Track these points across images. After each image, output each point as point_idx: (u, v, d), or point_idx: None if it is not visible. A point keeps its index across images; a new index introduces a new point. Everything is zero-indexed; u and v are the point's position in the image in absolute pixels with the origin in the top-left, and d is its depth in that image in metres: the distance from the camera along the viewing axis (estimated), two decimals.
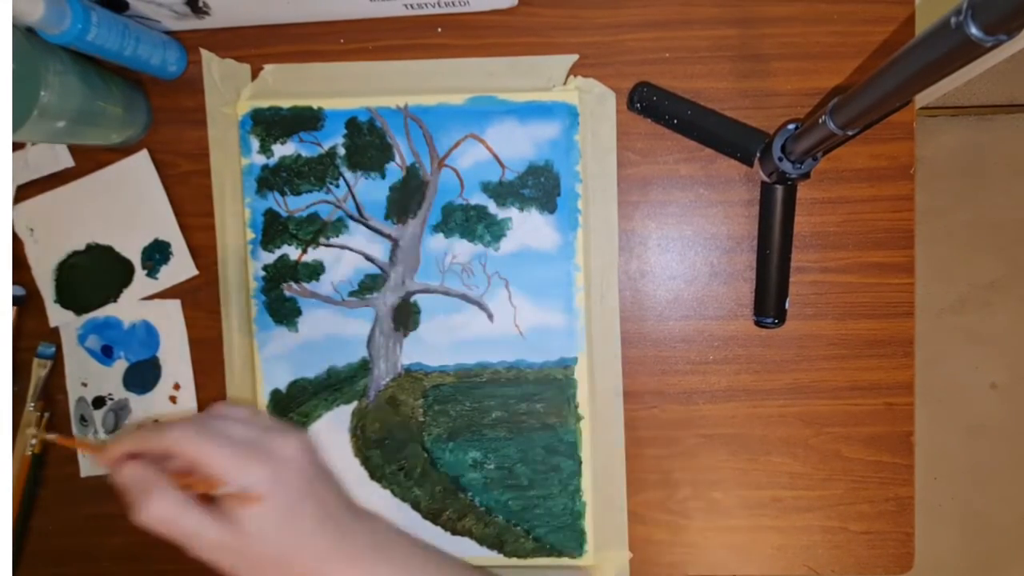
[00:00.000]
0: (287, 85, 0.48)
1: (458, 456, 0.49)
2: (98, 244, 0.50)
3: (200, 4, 0.44)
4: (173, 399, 0.50)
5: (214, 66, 0.48)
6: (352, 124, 0.48)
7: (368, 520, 0.39)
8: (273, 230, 0.49)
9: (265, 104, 0.48)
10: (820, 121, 0.34)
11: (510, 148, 0.48)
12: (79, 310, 0.50)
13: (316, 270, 0.49)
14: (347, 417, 0.49)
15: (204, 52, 0.48)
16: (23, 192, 0.50)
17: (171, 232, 0.49)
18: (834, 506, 0.49)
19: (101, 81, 0.44)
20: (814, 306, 0.48)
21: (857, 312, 0.48)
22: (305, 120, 0.48)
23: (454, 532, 0.49)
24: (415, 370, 0.49)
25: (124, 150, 0.49)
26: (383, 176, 0.48)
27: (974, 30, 0.22)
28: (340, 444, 0.50)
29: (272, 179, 0.49)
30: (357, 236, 0.49)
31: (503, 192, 0.48)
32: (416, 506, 0.50)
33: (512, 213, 0.48)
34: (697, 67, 0.47)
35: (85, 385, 0.51)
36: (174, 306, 0.50)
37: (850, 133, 0.33)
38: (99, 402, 0.51)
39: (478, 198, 0.48)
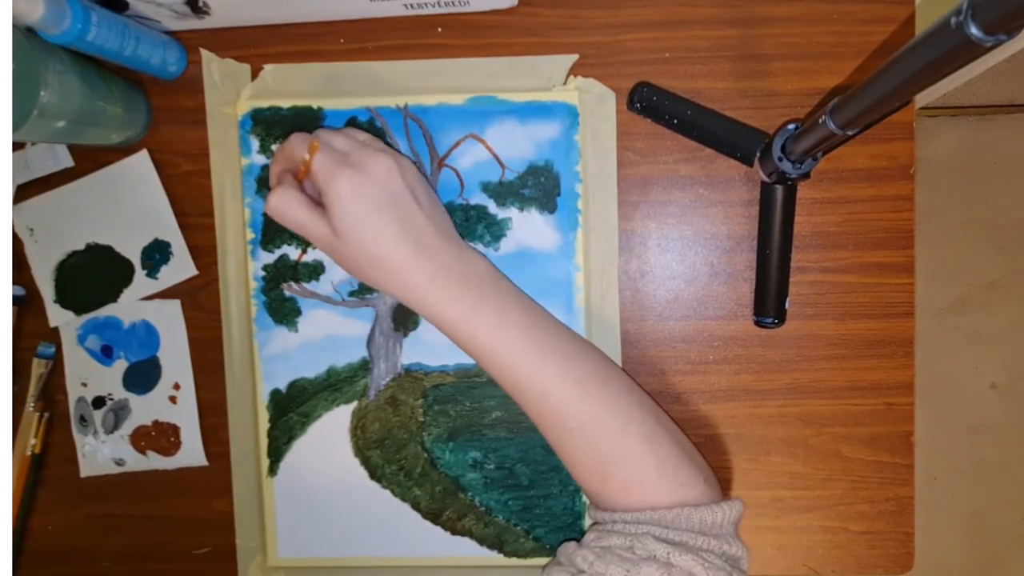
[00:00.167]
0: (287, 85, 0.48)
1: (458, 456, 0.49)
2: (98, 244, 0.50)
3: (200, 4, 0.44)
4: (173, 399, 0.50)
5: (214, 66, 0.48)
6: (352, 124, 0.48)
7: (465, 252, 0.43)
8: (273, 230, 0.49)
9: (265, 104, 0.48)
10: (820, 121, 0.34)
11: (510, 148, 0.48)
12: (79, 310, 0.50)
13: (316, 270, 0.49)
14: (347, 417, 0.49)
15: (204, 52, 0.48)
16: (23, 192, 0.50)
17: (171, 232, 0.49)
18: (834, 506, 0.49)
19: (101, 81, 0.44)
20: (814, 306, 0.48)
21: (857, 312, 0.48)
22: (305, 120, 0.48)
23: (454, 532, 0.49)
24: (415, 370, 0.49)
25: (124, 150, 0.49)
26: None
27: (974, 30, 0.22)
28: (340, 444, 0.50)
29: None
30: None
31: (503, 192, 0.48)
32: (416, 506, 0.50)
33: (512, 213, 0.48)
34: (697, 67, 0.47)
35: (85, 385, 0.51)
36: (174, 306, 0.50)
37: (850, 133, 0.33)
38: (99, 402, 0.51)
39: (478, 198, 0.48)
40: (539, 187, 0.48)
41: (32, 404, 0.50)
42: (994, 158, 1.39)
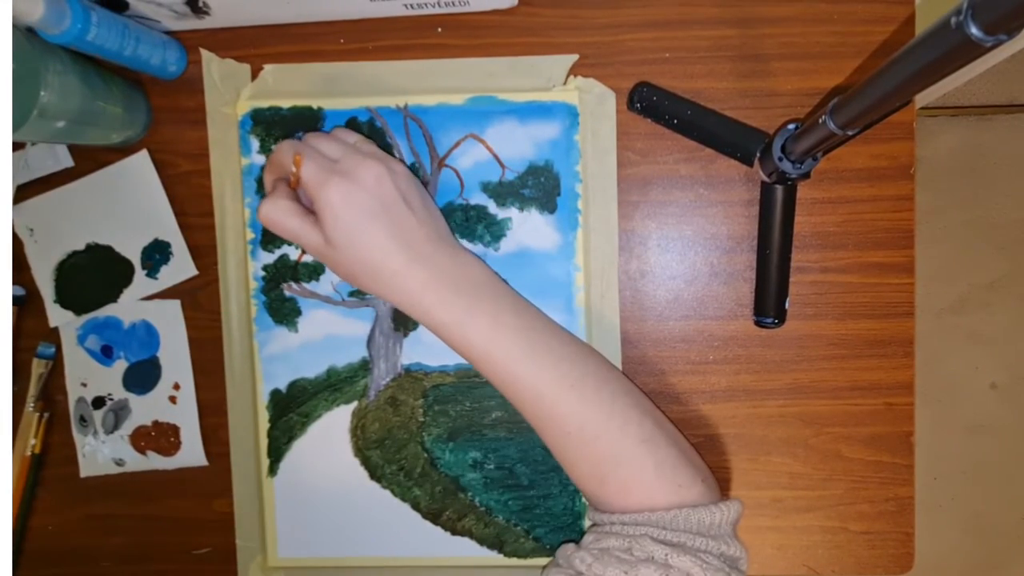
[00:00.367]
0: (287, 85, 0.48)
1: (458, 456, 0.49)
2: (98, 244, 0.50)
3: (200, 4, 0.44)
4: (173, 399, 0.50)
5: (214, 66, 0.48)
6: (352, 124, 0.48)
7: (459, 255, 0.43)
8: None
9: (265, 104, 0.48)
10: (820, 121, 0.34)
11: (510, 148, 0.48)
12: (79, 310, 0.50)
13: (316, 270, 0.49)
14: (347, 417, 0.49)
15: (204, 52, 0.48)
16: (23, 192, 0.50)
17: (171, 232, 0.49)
18: (834, 506, 0.49)
19: (101, 81, 0.44)
20: (814, 306, 0.48)
21: (857, 312, 0.48)
22: (305, 120, 0.48)
23: (454, 532, 0.49)
24: (415, 370, 0.49)
25: (124, 150, 0.49)
26: None
27: (974, 30, 0.22)
28: (340, 444, 0.50)
29: None
30: None
31: (503, 192, 0.48)
32: (416, 506, 0.50)
33: (512, 213, 0.48)
34: (697, 67, 0.47)
35: (85, 385, 0.51)
36: (174, 306, 0.50)
37: (850, 133, 0.33)
38: (99, 402, 0.51)
39: (478, 198, 0.48)
40: (539, 187, 0.48)
41: (32, 404, 0.50)
42: (994, 158, 1.39)
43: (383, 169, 0.40)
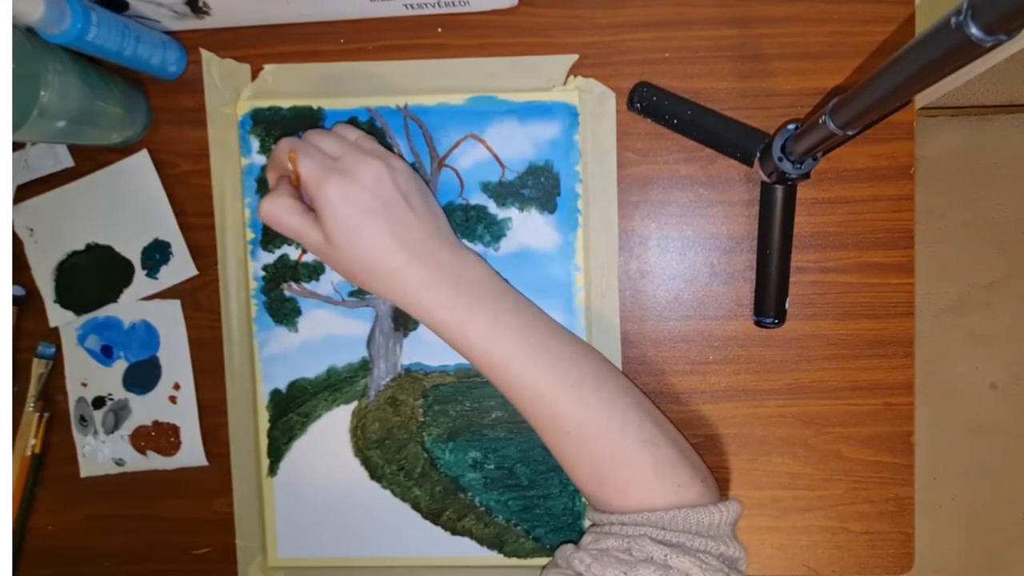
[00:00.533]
0: (287, 85, 0.48)
1: (458, 456, 0.49)
2: (98, 244, 0.50)
3: (200, 4, 0.44)
4: (173, 399, 0.50)
5: (214, 66, 0.48)
6: (352, 124, 0.48)
7: (460, 254, 0.43)
8: (273, 230, 0.49)
9: (265, 104, 0.48)
10: (820, 121, 0.34)
11: (510, 148, 0.48)
12: (79, 310, 0.50)
13: (316, 270, 0.49)
14: (347, 417, 0.49)
15: (204, 52, 0.48)
16: (23, 192, 0.50)
17: (171, 232, 0.49)
18: (834, 506, 0.49)
19: (101, 81, 0.44)
20: (814, 306, 0.48)
21: (857, 312, 0.48)
22: (305, 120, 0.48)
23: (454, 532, 0.49)
24: (415, 370, 0.49)
25: (124, 150, 0.49)
26: None
27: (974, 30, 0.22)
28: (340, 444, 0.50)
29: None
30: None
31: (503, 192, 0.48)
32: (416, 506, 0.50)
33: (512, 213, 0.48)
34: (697, 67, 0.47)
35: (85, 385, 0.51)
36: (174, 306, 0.50)
37: (850, 133, 0.33)
38: (99, 402, 0.51)
39: (478, 198, 0.48)
40: (539, 187, 0.48)
41: (32, 404, 0.50)
42: (994, 158, 1.39)
43: (383, 167, 0.40)
